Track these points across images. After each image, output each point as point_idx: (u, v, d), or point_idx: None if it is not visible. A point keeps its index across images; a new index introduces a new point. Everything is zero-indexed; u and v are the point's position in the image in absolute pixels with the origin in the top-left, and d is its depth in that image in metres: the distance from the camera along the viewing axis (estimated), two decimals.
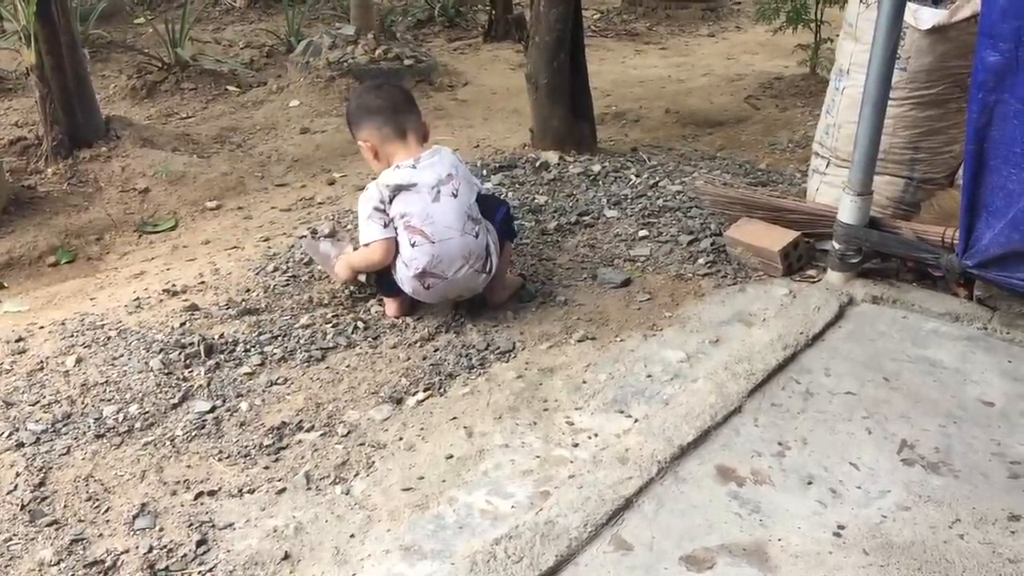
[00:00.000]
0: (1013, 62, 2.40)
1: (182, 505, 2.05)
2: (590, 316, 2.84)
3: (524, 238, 3.32)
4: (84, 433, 2.29)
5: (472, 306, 2.87)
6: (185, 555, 1.91)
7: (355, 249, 2.97)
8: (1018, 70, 2.40)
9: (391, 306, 2.85)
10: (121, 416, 2.35)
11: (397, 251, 2.74)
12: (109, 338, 2.71)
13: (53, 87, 4.37)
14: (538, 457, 2.19)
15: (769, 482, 2.08)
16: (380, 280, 2.86)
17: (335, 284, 3.01)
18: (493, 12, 7.44)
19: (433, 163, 2.75)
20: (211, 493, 2.09)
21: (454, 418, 2.35)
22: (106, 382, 2.50)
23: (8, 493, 2.09)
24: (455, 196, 2.73)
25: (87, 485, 2.11)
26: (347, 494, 2.08)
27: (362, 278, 2.94)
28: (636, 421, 2.30)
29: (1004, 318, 2.74)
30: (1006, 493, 2.06)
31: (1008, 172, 2.53)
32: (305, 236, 3.36)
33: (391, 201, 2.71)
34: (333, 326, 2.78)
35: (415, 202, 2.70)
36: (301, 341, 2.69)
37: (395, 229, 2.73)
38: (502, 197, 3.48)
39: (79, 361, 2.60)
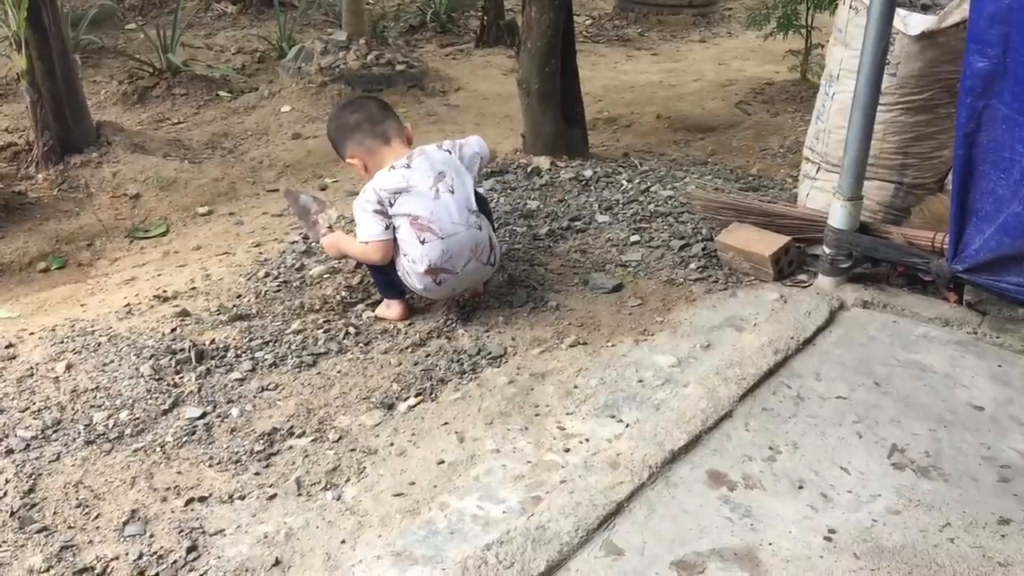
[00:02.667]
0: (1001, 67, 2.42)
1: (172, 512, 2.04)
2: (581, 321, 2.84)
3: (516, 243, 3.33)
4: (74, 439, 2.28)
5: (464, 311, 2.87)
6: (175, 562, 1.90)
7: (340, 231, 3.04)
8: (1006, 75, 2.42)
9: (396, 309, 2.85)
10: (111, 422, 2.34)
11: (397, 252, 2.77)
12: (99, 344, 2.70)
13: (44, 93, 4.36)
14: (529, 462, 2.19)
15: (760, 487, 2.09)
16: (383, 285, 2.87)
17: (326, 289, 3.01)
18: (485, 18, 7.45)
19: (423, 164, 2.79)
20: (202, 499, 2.08)
21: (445, 423, 2.35)
22: (96, 388, 2.49)
23: None
24: (452, 192, 2.79)
25: (77, 492, 2.10)
26: (338, 500, 2.08)
27: (350, 263, 2.97)
28: (627, 426, 2.31)
29: (994, 322, 2.75)
30: (996, 497, 2.07)
31: (997, 177, 2.54)
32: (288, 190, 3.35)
33: (392, 204, 2.74)
34: (324, 331, 2.77)
35: (418, 202, 2.74)
36: (292, 347, 2.69)
37: (395, 231, 2.75)
38: (493, 202, 3.48)
39: (69, 367, 2.59)
